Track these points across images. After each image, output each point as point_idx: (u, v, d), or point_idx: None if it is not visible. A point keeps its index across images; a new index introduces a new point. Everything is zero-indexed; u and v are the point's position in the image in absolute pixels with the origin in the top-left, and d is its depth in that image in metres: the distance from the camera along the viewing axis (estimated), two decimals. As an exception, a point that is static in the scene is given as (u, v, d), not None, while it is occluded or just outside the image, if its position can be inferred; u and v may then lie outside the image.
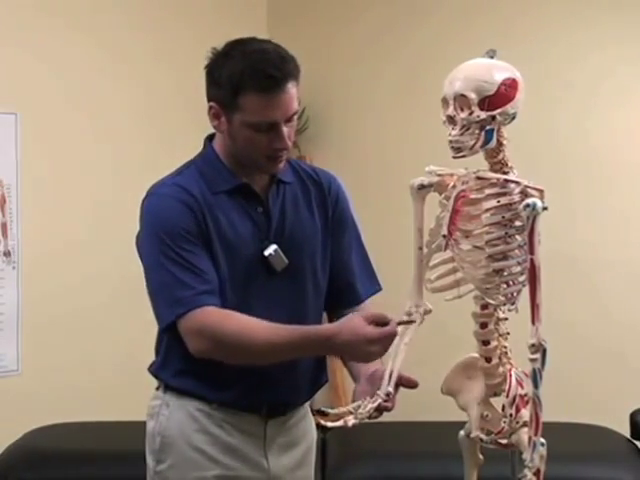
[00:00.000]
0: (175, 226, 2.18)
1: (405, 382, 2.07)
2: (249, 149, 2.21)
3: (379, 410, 2.02)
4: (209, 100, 2.23)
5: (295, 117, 2.22)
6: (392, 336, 2.06)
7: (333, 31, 4.76)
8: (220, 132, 2.26)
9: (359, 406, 2.02)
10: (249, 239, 2.25)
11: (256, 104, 2.14)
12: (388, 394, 2.02)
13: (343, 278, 2.39)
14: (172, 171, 2.32)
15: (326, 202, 2.37)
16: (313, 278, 2.33)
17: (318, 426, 2.48)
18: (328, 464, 3.34)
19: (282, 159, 2.24)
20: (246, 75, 2.13)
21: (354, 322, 2.08)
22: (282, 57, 2.18)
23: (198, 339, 2.15)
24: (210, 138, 2.33)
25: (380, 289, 2.44)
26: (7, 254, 3.94)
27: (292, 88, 2.17)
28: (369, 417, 2.01)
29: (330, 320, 2.42)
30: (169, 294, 2.17)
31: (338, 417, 2.02)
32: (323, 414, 2.05)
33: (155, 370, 2.35)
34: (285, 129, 2.18)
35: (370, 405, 2.01)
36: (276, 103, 2.15)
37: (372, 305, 2.42)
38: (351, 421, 2.00)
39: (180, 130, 4.22)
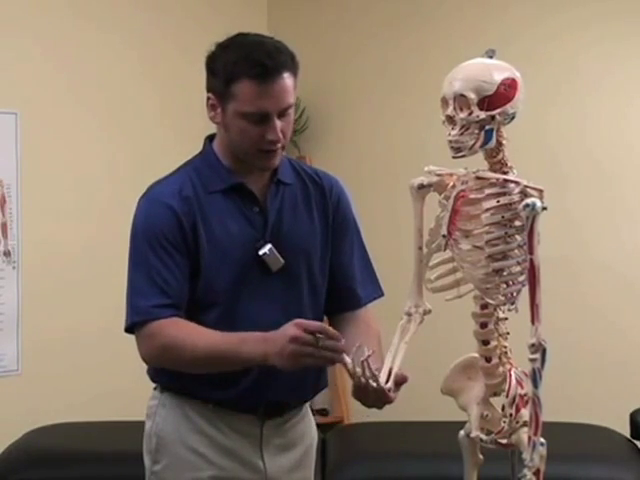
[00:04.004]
0: (156, 231, 2.21)
1: (399, 379, 2.05)
2: (242, 141, 2.21)
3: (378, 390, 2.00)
4: (207, 91, 2.24)
5: (290, 111, 2.21)
6: (308, 340, 2.01)
7: (333, 31, 4.77)
8: (216, 123, 2.26)
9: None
10: (242, 239, 2.25)
11: (248, 92, 2.14)
12: (389, 390, 2.01)
13: (344, 282, 2.38)
14: (173, 169, 2.33)
15: (327, 205, 2.36)
16: (310, 279, 2.33)
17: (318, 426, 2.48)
18: (328, 464, 3.33)
19: (275, 153, 2.23)
20: (240, 63, 2.14)
21: (288, 325, 2.05)
22: (277, 48, 2.18)
23: (146, 346, 2.20)
24: (210, 138, 2.33)
25: (382, 295, 2.42)
26: (7, 254, 3.94)
27: (286, 80, 2.16)
28: (365, 377, 1.99)
29: (330, 322, 2.42)
30: (131, 300, 2.23)
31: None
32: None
33: (152, 372, 2.35)
34: (278, 122, 2.17)
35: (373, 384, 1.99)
36: (268, 92, 2.14)
37: (372, 310, 2.42)
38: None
39: (181, 129, 4.22)
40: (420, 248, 2.06)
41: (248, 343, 2.11)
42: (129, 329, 2.24)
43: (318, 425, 2.50)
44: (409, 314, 2.08)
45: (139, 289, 2.22)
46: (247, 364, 2.15)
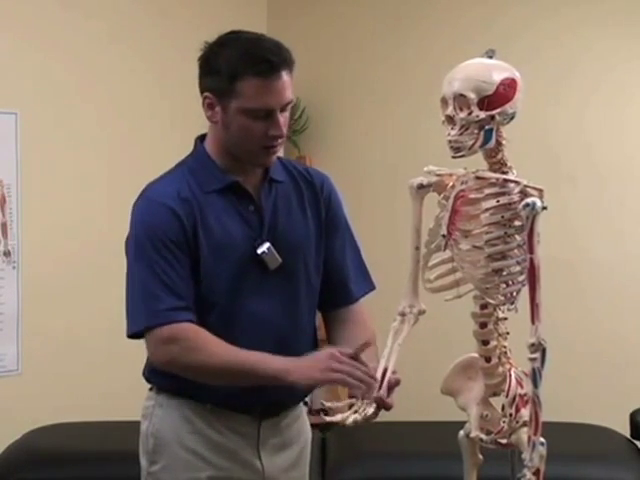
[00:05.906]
0: (160, 234, 2.20)
1: (392, 384, 2.05)
2: (244, 138, 2.21)
3: (376, 412, 2.01)
4: (203, 91, 2.24)
5: (289, 107, 2.23)
6: (347, 356, 2.07)
7: (333, 31, 4.76)
8: (214, 123, 2.25)
9: (353, 404, 2.01)
10: (240, 238, 2.25)
11: (254, 89, 2.15)
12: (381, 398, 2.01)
13: (336, 278, 2.39)
14: (166, 171, 2.33)
15: (319, 202, 2.36)
16: (306, 277, 2.33)
17: (313, 426, 2.47)
18: (328, 464, 3.33)
19: (276, 149, 2.24)
20: (243, 60, 2.15)
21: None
22: (277, 44, 2.21)
23: (162, 351, 2.19)
24: (201, 138, 2.34)
25: (374, 288, 2.44)
26: (7, 254, 3.94)
27: (287, 76, 2.18)
28: (367, 419, 2.00)
29: (324, 319, 2.43)
30: (141, 304, 2.20)
31: (337, 412, 2.01)
32: (326, 413, 2.04)
33: (148, 374, 2.35)
34: (280, 118, 2.19)
35: (370, 409, 1.99)
36: (273, 88, 2.16)
37: (365, 304, 2.42)
38: (350, 419, 1.98)
39: (182, 129, 4.22)
40: (417, 248, 2.06)
41: (268, 358, 2.13)
42: (138, 333, 2.21)
43: (318, 425, 2.49)
44: (403, 314, 2.08)
45: (150, 292, 2.19)
46: (262, 379, 2.15)
